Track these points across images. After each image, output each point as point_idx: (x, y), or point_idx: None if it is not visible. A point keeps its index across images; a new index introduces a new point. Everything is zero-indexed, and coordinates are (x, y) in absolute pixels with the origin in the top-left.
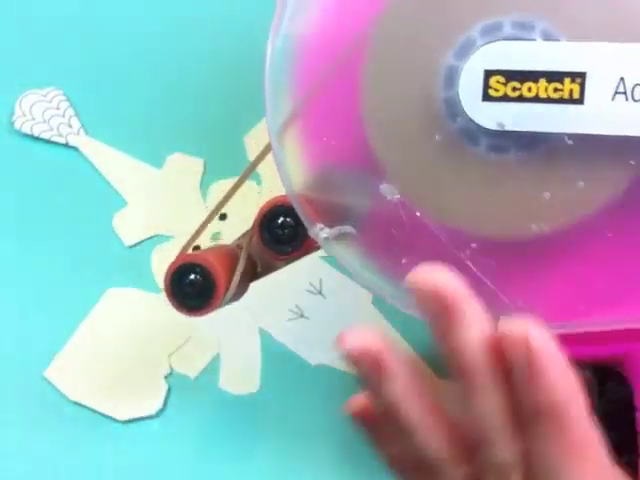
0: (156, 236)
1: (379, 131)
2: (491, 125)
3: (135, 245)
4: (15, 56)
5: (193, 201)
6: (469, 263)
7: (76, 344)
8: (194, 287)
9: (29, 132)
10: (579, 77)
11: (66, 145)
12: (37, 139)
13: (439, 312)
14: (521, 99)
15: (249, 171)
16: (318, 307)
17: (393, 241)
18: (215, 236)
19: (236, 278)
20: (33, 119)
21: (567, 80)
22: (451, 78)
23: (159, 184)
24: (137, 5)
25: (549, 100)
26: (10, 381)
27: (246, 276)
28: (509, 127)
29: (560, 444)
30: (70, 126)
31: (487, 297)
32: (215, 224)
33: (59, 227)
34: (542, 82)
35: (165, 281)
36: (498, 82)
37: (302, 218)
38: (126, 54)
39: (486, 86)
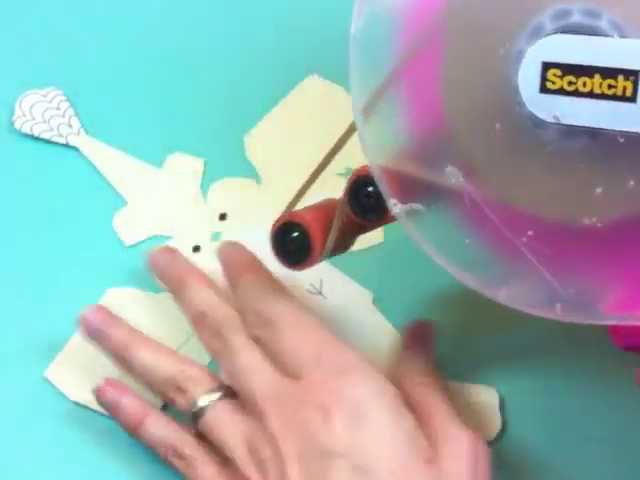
0: (156, 236)
1: (452, 110)
2: (548, 117)
3: (135, 245)
4: (15, 56)
5: (193, 200)
6: (524, 249)
7: (76, 344)
8: (295, 244)
9: (29, 132)
10: (633, 75)
11: (66, 145)
12: (37, 139)
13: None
14: (576, 93)
15: (337, 149)
16: (318, 307)
17: (458, 221)
18: (215, 237)
19: (332, 235)
20: (33, 119)
21: (621, 77)
22: (519, 63)
23: (159, 184)
24: (136, 4)
25: (603, 96)
26: (10, 381)
27: (349, 230)
28: (564, 121)
29: None
30: (70, 126)
31: (540, 283)
32: (215, 224)
33: (59, 227)
34: (597, 78)
35: (271, 240)
36: (555, 75)
37: (381, 191)
38: (125, 54)
39: (543, 78)
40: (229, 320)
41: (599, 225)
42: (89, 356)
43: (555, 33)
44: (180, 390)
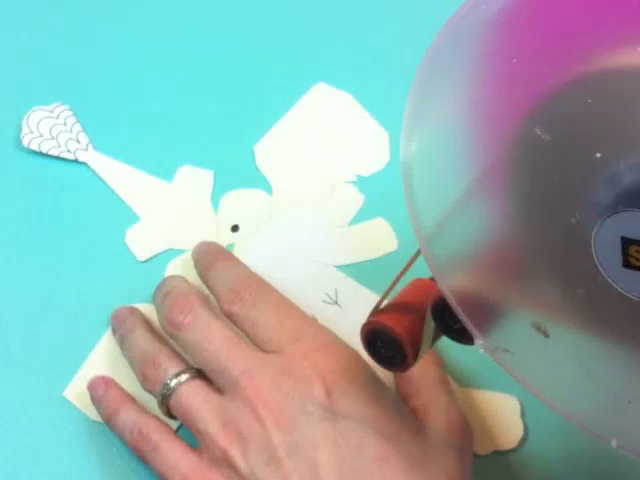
0: (169, 250)
1: (526, 256)
2: (635, 294)
3: (148, 260)
4: (19, 72)
5: (205, 213)
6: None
7: (95, 363)
8: (386, 348)
9: (37, 149)
10: None
11: (75, 161)
12: (46, 156)
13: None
14: None
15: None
16: (334, 317)
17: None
18: (228, 248)
19: (425, 344)
20: (41, 136)
21: None
22: (595, 229)
23: (170, 197)
24: (142, 17)
25: None
26: (30, 402)
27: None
28: None
29: None
30: (78, 142)
31: None
32: (228, 236)
33: (71, 244)
34: None
35: (362, 342)
36: (638, 252)
37: (463, 323)
38: (131, 67)
39: (625, 254)
40: (196, 295)
41: None
42: (107, 374)
43: (634, 191)
44: (154, 364)
